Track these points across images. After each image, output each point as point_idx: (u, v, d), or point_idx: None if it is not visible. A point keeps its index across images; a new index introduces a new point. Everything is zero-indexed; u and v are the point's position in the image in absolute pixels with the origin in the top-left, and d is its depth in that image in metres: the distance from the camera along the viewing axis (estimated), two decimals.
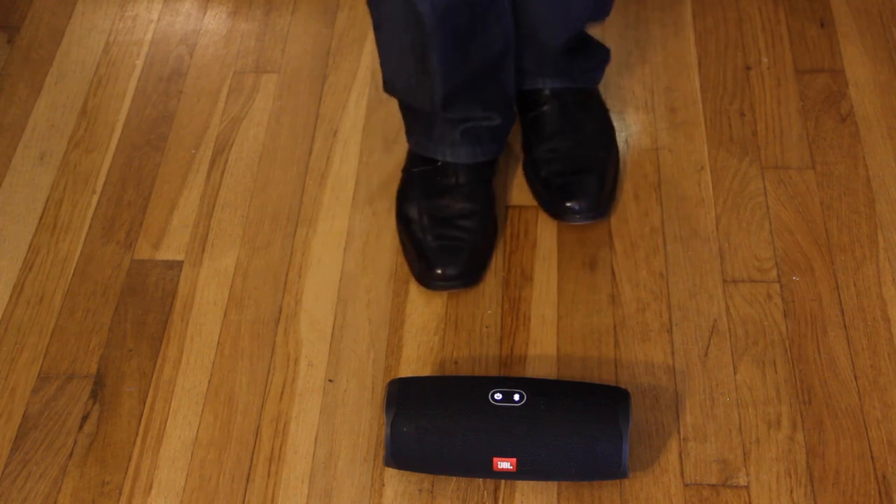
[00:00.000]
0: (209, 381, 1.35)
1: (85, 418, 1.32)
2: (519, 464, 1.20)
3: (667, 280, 1.42)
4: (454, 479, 1.26)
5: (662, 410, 1.31)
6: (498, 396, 1.21)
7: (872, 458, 1.26)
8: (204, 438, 1.30)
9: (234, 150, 1.59)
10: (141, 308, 1.42)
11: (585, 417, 1.21)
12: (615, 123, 1.57)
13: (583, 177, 1.46)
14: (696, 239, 1.46)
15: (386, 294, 1.42)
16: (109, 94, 1.67)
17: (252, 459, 1.29)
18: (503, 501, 1.25)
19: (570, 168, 1.47)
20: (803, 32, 1.70)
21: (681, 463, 1.27)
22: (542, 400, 1.21)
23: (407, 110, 1.48)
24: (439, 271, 1.40)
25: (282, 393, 1.34)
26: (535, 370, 1.35)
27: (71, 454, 1.30)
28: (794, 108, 1.60)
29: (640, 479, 1.26)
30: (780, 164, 1.53)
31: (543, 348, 1.37)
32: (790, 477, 1.25)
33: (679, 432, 1.29)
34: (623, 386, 1.32)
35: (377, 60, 1.56)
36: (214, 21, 1.77)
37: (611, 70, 1.61)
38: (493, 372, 1.35)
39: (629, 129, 1.58)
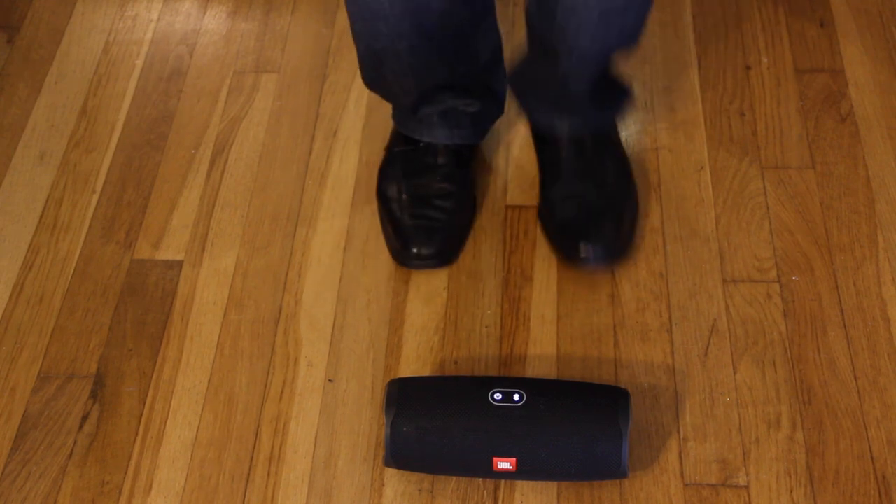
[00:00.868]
0: (209, 381, 1.35)
1: (85, 418, 1.32)
2: (519, 464, 1.20)
3: (666, 280, 1.42)
4: (454, 479, 1.26)
5: (662, 410, 1.31)
6: (498, 396, 1.21)
7: (872, 458, 1.26)
8: (204, 438, 1.31)
9: (233, 149, 1.59)
10: (141, 308, 1.42)
11: (585, 417, 1.21)
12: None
13: (599, 221, 1.42)
14: (695, 239, 1.46)
15: (386, 294, 1.42)
16: (109, 93, 1.67)
17: (252, 459, 1.29)
18: (503, 501, 1.25)
19: (585, 212, 1.43)
20: (803, 32, 1.70)
21: (680, 463, 1.27)
22: (542, 400, 1.21)
23: None
24: (415, 250, 1.41)
25: (281, 393, 1.34)
26: (534, 370, 1.35)
27: (71, 454, 1.30)
28: (793, 107, 1.60)
29: (639, 479, 1.26)
30: (780, 164, 1.53)
31: (543, 348, 1.37)
32: (790, 477, 1.25)
33: (679, 432, 1.29)
34: (623, 386, 1.32)
35: None
36: (214, 21, 1.77)
37: None
38: (493, 372, 1.35)
39: (629, 129, 1.58)
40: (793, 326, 1.37)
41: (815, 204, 1.49)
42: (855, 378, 1.33)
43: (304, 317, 1.41)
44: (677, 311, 1.39)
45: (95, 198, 1.54)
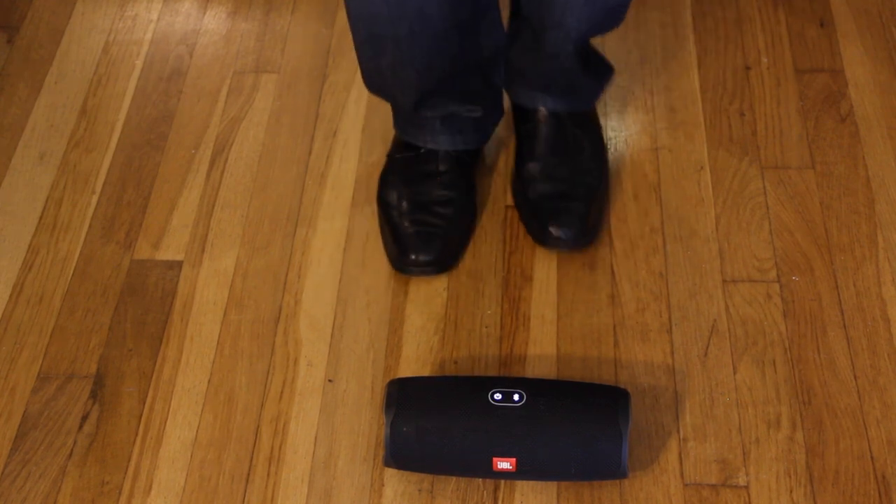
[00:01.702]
0: (209, 381, 1.35)
1: (85, 418, 1.32)
2: (519, 464, 1.20)
3: (666, 280, 1.42)
4: (454, 479, 1.26)
5: (662, 410, 1.31)
6: (498, 396, 1.21)
7: (872, 457, 1.26)
8: (203, 438, 1.30)
9: (233, 150, 1.59)
10: (141, 308, 1.42)
11: (585, 417, 1.21)
12: (615, 123, 1.58)
13: (569, 204, 1.44)
14: (695, 239, 1.46)
15: (386, 294, 1.42)
16: (109, 93, 1.67)
17: (252, 459, 1.29)
18: (503, 501, 1.25)
19: (557, 192, 1.45)
20: (803, 32, 1.70)
21: (680, 463, 1.27)
22: (542, 400, 1.21)
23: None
24: (413, 257, 1.41)
25: (281, 393, 1.34)
26: (534, 370, 1.35)
27: (71, 454, 1.30)
28: (793, 107, 1.60)
29: (639, 479, 1.26)
30: (779, 164, 1.53)
31: (543, 348, 1.37)
32: (790, 477, 1.25)
33: (679, 432, 1.29)
34: (623, 386, 1.32)
35: None
36: (214, 21, 1.77)
37: None
38: (493, 372, 1.35)
39: (629, 129, 1.58)
40: (793, 326, 1.37)
41: (814, 204, 1.49)
42: (855, 378, 1.33)
43: (304, 317, 1.41)
44: (677, 311, 1.39)
45: (95, 198, 1.54)
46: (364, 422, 1.31)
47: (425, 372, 1.36)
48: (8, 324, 1.41)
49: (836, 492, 1.24)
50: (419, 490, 1.26)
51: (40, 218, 1.52)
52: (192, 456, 1.29)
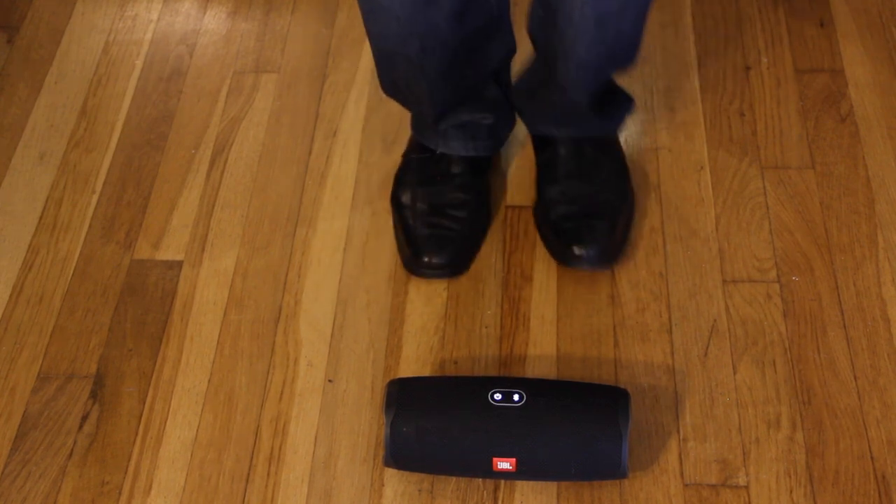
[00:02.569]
0: (209, 381, 1.35)
1: (84, 418, 1.32)
2: (519, 464, 1.20)
3: (666, 280, 1.42)
4: (454, 479, 1.26)
5: (662, 410, 1.31)
6: (497, 396, 1.21)
7: (872, 458, 1.26)
8: (203, 438, 1.31)
9: (233, 150, 1.59)
10: (141, 308, 1.42)
11: (585, 417, 1.21)
12: None
13: (592, 222, 1.42)
14: (695, 239, 1.46)
15: (386, 294, 1.42)
16: (109, 93, 1.67)
17: (252, 459, 1.29)
18: (503, 501, 1.25)
19: (580, 212, 1.42)
20: (803, 32, 1.70)
21: (680, 463, 1.27)
22: (542, 400, 1.21)
23: None
24: (426, 259, 1.41)
25: (281, 393, 1.34)
26: (534, 370, 1.35)
27: (71, 454, 1.30)
28: (793, 107, 1.60)
29: (639, 479, 1.26)
30: (779, 164, 1.53)
31: (543, 348, 1.37)
32: (790, 477, 1.25)
33: (679, 432, 1.29)
34: (623, 386, 1.32)
35: None
36: (214, 21, 1.77)
37: None
38: (493, 372, 1.35)
39: (629, 129, 1.58)
40: (793, 326, 1.37)
41: (814, 204, 1.49)
42: (855, 378, 1.33)
43: (304, 317, 1.41)
44: (677, 312, 1.39)
45: (95, 198, 1.54)
46: (364, 422, 1.31)
47: (425, 372, 1.36)
48: (8, 324, 1.41)
49: (836, 492, 1.24)
50: (419, 490, 1.26)
51: (40, 218, 1.52)
52: (192, 456, 1.29)
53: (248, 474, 1.28)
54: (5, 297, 1.44)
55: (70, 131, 1.62)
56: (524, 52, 1.45)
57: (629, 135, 1.58)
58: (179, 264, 1.46)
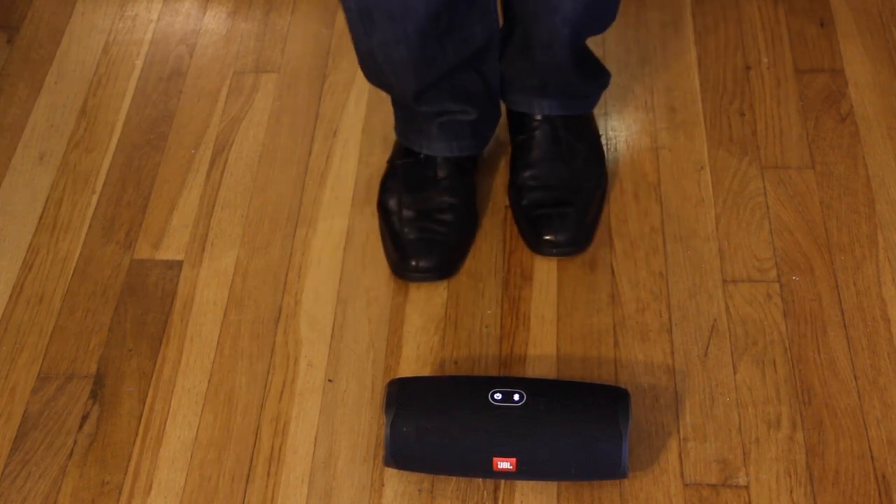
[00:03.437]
0: (209, 381, 1.35)
1: (85, 418, 1.32)
2: (519, 464, 1.20)
3: (666, 280, 1.42)
4: (454, 479, 1.26)
5: (662, 410, 1.31)
6: (498, 396, 1.21)
7: (872, 457, 1.26)
8: (203, 438, 1.31)
9: (233, 150, 1.59)
10: (141, 308, 1.42)
11: (585, 417, 1.21)
12: (615, 123, 1.57)
13: (563, 209, 1.44)
14: (695, 239, 1.46)
15: (386, 294, 1.42)
16: (109, 93, 1.67)
17: (252, 459, 1.29)
18: (503, 501, 1.25)
19: (552, 199, 1.45)
20: (803, 32, 1.70)
21: (680, 463, 1.27)
22: (542, 400, 1.21)
23: (393, 101, 1.48)
24: (414, 263, 1.41)
25: (281, 393, 1.34)
26: (534, 370, 1.35)
27: (71, 454, 1.30)
28: (793, 107, 1.60)
29: (639, 479, 1.26)
30: (779, 164, 1.53)
31: (543, 348, 1.37)
32: (790, 477, 1.25)
33: (679, 432, 1.29)
34: (623, 386, 1.32)
35: None
36: (214, 21, 1.77)
37: (611, 69, 1.60)
38: (493, 372, 1.35)
39: (629, 129, 1.58)
40: (793, 326, 1.37)
41: (814, 204, 1.49)
42: (855, 378, 1.33)
43: (304, 317, 1.41)
44: (677, 311, 1.39)
45: (95, 198, 1.54)
46: (364, 422, 1.31)
47: (425, 372, 1.36)
48: (8, 324, 1.41)
49: (836, 492, 1.24)
50: (419, 490, 1.26)
51: (40, 218, 1.52)
52: (192, 456, 1.29)
53: (248, 474, 1.28)
54: (5, 297, 1.44)
55: (70, 131, 1.62)
56: None
57: (629, 135, 1.58)
58: (179, 264, 1.46)
